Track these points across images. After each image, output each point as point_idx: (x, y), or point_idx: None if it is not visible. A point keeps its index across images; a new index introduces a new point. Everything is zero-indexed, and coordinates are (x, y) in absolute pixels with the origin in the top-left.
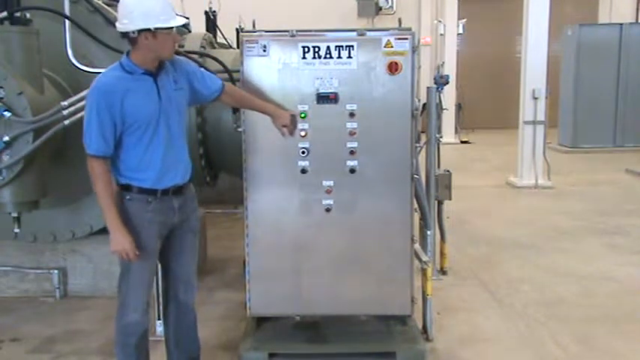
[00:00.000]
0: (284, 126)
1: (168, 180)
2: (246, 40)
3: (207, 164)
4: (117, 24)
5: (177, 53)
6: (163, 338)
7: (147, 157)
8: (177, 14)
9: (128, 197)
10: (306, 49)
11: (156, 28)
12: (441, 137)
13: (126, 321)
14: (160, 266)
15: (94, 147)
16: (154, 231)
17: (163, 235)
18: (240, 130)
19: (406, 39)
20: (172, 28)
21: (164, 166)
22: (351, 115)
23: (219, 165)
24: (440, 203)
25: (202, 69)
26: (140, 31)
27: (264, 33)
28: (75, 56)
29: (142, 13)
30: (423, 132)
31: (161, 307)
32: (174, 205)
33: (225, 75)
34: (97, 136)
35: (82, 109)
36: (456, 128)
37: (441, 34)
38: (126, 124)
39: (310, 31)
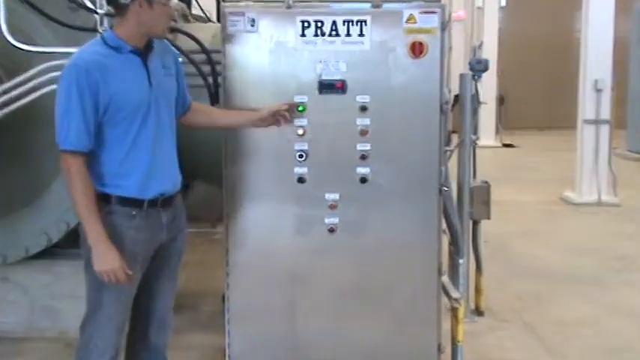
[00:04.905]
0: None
1: (157, 186)
2: (230, 12)
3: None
4: None
5: None
6: None
7: (132, 155)
8: None
9: (107, 210)
10: (306, 24)
11: None
12: (478, 139)
13: None
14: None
15: (74, 140)
16: (137, 254)
17: (147, 257)
18: None
19: (434, 13)
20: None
21: (152, 168)
22: (363, 109)
23: (192, 171)
24: (475, 223)
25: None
26: None
27: (251, 3)
28: (11, 32)
29: None
30: (454, 132)
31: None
32: (162, 221)
33: (203, 56)
34: (77, 126)
35: (18, 97)
36: (496, 128)
37: (479, 8)
38: (109, 113)
39: (311, 0)
